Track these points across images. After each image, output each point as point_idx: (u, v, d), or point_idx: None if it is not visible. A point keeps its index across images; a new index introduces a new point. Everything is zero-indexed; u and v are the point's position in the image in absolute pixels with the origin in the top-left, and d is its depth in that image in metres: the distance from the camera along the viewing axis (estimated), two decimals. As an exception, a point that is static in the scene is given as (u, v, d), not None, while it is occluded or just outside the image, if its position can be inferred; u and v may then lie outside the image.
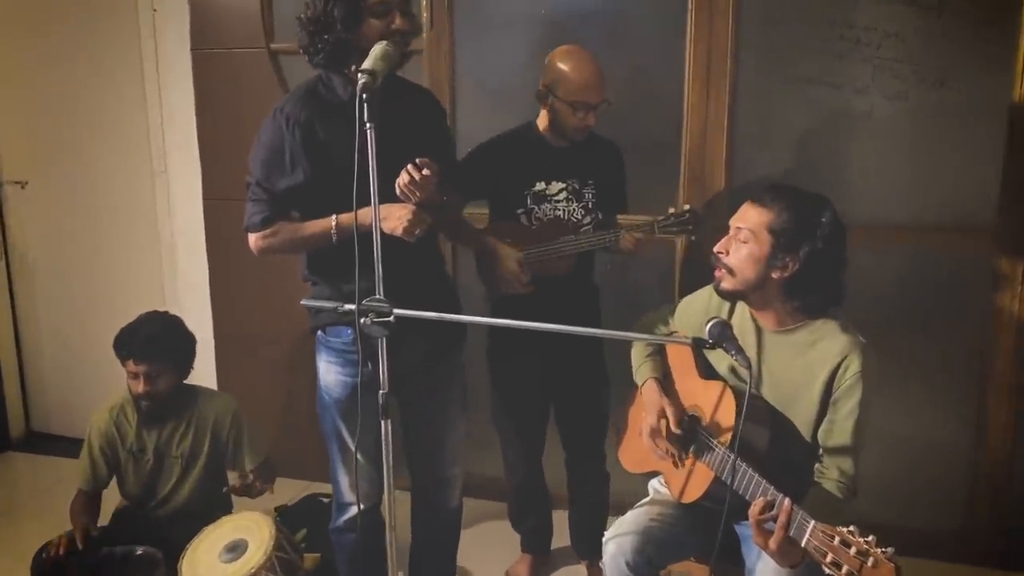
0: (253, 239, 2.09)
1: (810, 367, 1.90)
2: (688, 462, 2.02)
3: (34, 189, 3.73)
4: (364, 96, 1.69)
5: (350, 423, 2.18)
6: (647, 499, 2.17)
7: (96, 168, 3.60)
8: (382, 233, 1.95)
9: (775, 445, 1.89)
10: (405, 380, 2.23)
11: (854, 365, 1.85)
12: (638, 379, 2.24)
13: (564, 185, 2.46)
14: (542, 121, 2.48)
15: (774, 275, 1.87)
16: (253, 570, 2.25)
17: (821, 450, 1.90)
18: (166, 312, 2.73)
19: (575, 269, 2.48)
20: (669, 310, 2.28)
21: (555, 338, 2.44)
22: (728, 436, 1.90)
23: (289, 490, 3.38)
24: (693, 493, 1.98)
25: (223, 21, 3.22)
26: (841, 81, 2.68)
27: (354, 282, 1.78)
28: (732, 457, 1.83)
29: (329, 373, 2.18)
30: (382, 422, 1.83)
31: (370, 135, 1.71)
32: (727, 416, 1.94)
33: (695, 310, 2.18)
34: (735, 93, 2.78)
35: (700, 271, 2.79)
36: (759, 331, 1.98)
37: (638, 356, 2.27)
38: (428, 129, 2.20)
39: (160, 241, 3.52)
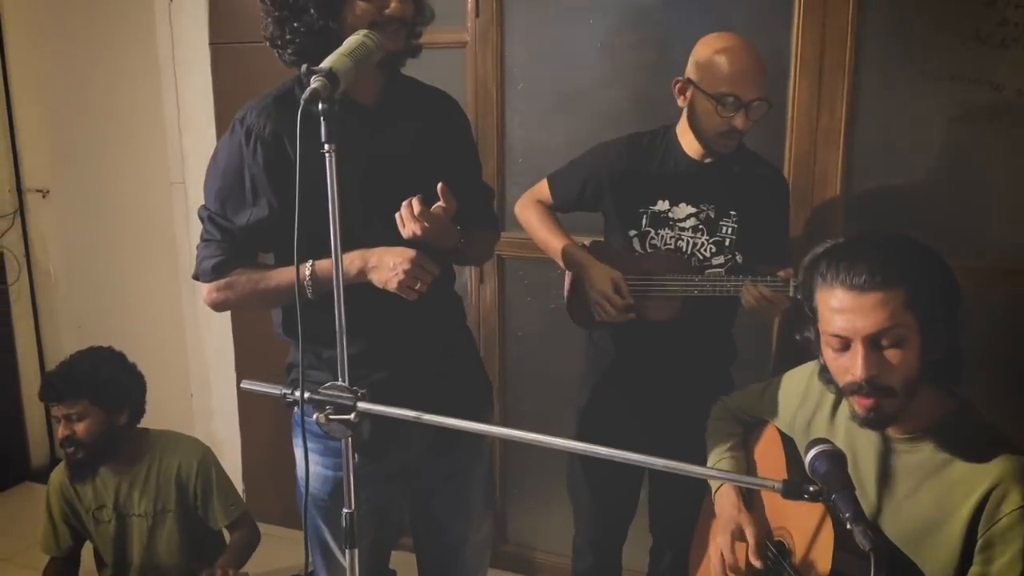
0: (205, 291, 1.62)
1: (944, 496, 1.30)
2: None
3: (55, 198, 3.42)
4: (321, 108, 1.21)
5: (336, 528, 1.71)
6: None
7: (116, 177, 3.26)
8: (371, 284, 1.51)
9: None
10: (409, 472, 1.75)
11: (1014, 495, 1.23)
12: (712, 481, 1.69)
13: (695, 210, 1.92)
14: (681, 125, 1.95)
15: (928, 360, 1.29)
16: None
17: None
18: (108, 348, 2.34)
19: (695, 317, 1.92)
20: (761, 391, 1.71)
21: (664, 388, 1.99)
22: (827, 586, 1.33)
23: (308, 551, 2.95)
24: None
25: (245, 10, 2.79)
26: (1000, 79, 2.02)
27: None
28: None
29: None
30: (346, 552, 1.34)
31: (329, 161, 1.23)
32: (824, 555, 1.36)
33: (789, 396, 1.60)
34: (855, 94, 2.15)
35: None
36: (886, 441, 1.39)
37: (716, 449, 1.73)
38: (445, 146, 1.70)
39: (178, 261, 3.14)
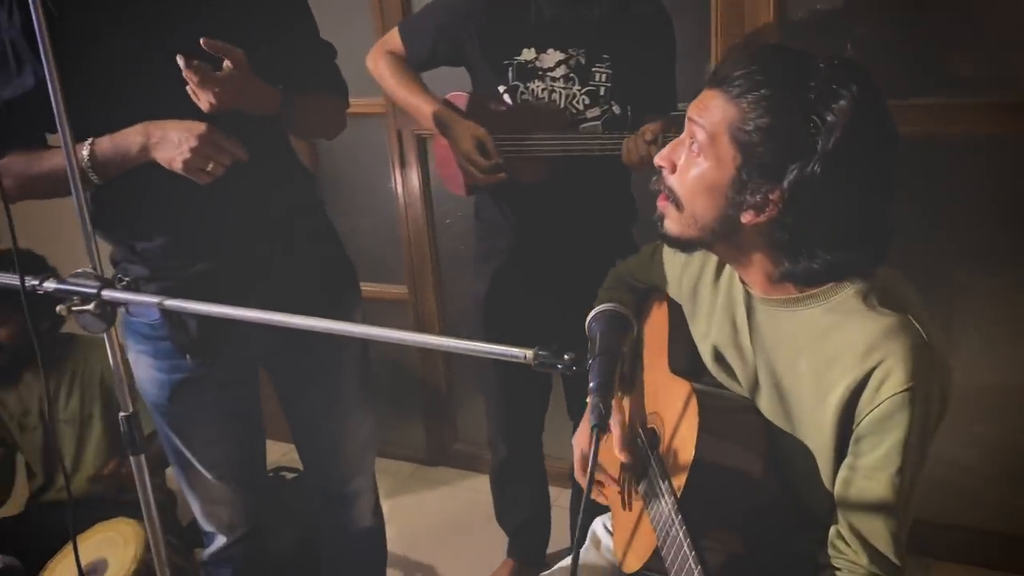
0: None
1: (823, 370, 1.06)
2: (637, 507, 1.27)
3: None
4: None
5: (183, 433, 1.57)
6: (584, 552, 1.43)
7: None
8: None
9: (766, 498, 1.11)
10: (269, 369, 1.60)
11: (895, 377, 0.98)
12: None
13: (563, 56, 1.68)
14: None
15: (744, 219, 1.03)
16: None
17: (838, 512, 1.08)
18: (27, 250, 2.18)
19: (577, 177, 1.72)
20: (651, 252, 1.49)
21: (559, 258, 1.80)
22: (684, 479, 1.12)
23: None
24: (634, 561, 1.23)
25: None
26: None
27: (150, 237, 1.41)
28: (676, 518, 1.07)
29: (139, 367, 1.54)
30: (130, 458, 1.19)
31: (36, 9, 1.03)
32: (688, 441, 1.14)
33: (673, 257, 1.38)
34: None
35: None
36: (749, 299, 1.16)
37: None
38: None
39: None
